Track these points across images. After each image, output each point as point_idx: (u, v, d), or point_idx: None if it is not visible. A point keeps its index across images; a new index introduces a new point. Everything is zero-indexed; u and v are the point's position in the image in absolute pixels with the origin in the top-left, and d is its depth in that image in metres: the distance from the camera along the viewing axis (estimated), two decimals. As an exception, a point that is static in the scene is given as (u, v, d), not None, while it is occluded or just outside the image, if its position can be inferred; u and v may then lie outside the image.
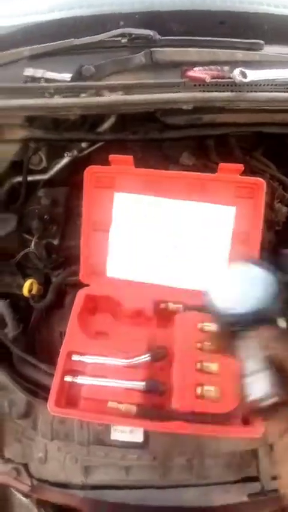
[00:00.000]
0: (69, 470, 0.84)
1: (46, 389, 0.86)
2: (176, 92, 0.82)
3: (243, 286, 0.52)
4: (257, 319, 0.49)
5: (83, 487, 0.84)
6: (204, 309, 0.83)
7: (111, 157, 0.89)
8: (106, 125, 1.00)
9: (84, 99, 0.85)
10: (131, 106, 0.83)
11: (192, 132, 0.96)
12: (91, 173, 0.91)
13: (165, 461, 0.81)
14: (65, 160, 1.10)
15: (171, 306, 0.86)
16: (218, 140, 1.07)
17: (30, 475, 0.86)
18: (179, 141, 1.03)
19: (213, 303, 0.53)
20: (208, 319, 0.81)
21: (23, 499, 1.13)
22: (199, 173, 0.88)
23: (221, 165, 0.88)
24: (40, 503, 1.08)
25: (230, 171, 0.89)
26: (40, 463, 0.86)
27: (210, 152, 1.08)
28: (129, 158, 0.89)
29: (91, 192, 0.92)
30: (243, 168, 0.89)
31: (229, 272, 0.56)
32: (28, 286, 0.93)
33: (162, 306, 0.87)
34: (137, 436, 0.78)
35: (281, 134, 0.99)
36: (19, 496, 1.10)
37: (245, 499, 0.82)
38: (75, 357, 0.78)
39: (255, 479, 0.82)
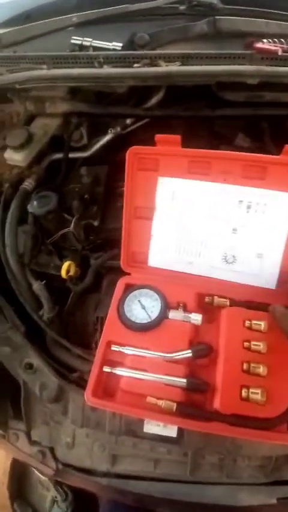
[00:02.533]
0: (96, 458, 0.82)
1: (79, 374, 0.84)
2: (241, 65, 0.74)
3: (140, 304, 0.80)
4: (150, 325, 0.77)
5: (107, 475, 0.82)
6: (254, 305, 0.78)
7: (158, 137, 0.79)
8: (154, 100, 0.93)
9: (138, 69, 0.78)
10: (189, 78, 0.76)
11: (250, 111, 0.87)
12: (134, 154, 0.81)
13: (196, 458, 0.78)
14: (106, 138, 1.04)
15: (217, 300, 0.79)
16: (272, 122, 0.98)
17: (55, 459, 0.84)
18: (233, 120, 0.95)
19: (124, 314, 0.79)
20: (257, 317, 0.76)
21: (42, 476, 1.14)
22: (259, 155, 0.76)
23: (287, 146, 0.75)
24: (58, 482, 1.08)
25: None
26: (67, 447, 0.84)
27: (265, 134, 0.99)
28: (177, 138, 0.78)
29: (133, 175, 0.82)
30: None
31: (132, 294, 0.81)
32: (66, 268, 0.89)
33: (207, 299, 0.80)
34: (171, 431, 0.75)
35: None
36: (38, 473, 1.11)
37: (273, 501, 0.79)
38: (114, 348, 0.75)
39: (286, 483, 0.78)
